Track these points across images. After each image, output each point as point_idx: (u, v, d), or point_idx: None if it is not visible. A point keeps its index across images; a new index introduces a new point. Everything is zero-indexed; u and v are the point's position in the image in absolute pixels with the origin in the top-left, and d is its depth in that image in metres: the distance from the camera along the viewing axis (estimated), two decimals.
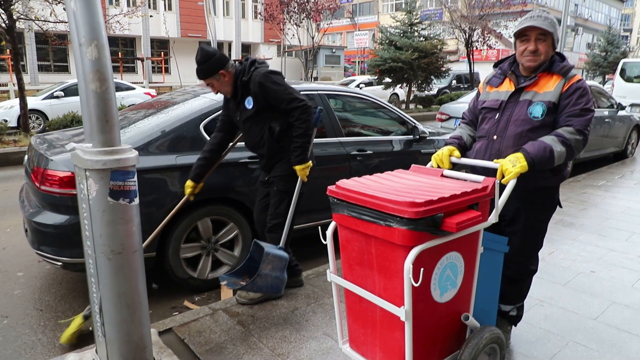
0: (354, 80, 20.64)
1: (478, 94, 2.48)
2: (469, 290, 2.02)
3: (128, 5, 24.53)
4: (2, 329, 2.88)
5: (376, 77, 16.43)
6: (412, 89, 16.79)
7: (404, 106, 17.19)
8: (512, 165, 2.01)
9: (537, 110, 2.15)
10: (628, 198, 5.65)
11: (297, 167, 2.87)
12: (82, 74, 1.86)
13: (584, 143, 2.11)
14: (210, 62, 2.78)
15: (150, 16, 21.84)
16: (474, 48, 18.76)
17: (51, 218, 2.93)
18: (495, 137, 2.27)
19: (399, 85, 16.27)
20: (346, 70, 31.41)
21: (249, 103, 2.88)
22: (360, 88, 19.44)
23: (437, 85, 18.62)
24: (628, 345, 2.54)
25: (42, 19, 9.06)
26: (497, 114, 2.28)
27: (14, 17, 8.55)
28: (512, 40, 2.28)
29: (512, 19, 18.96)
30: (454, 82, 21.68)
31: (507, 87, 2.30)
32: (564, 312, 2.89)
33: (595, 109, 7.44)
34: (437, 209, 1.69)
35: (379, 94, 18.42)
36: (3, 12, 8.37)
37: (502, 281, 2.45)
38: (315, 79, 24.74)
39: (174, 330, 2.65)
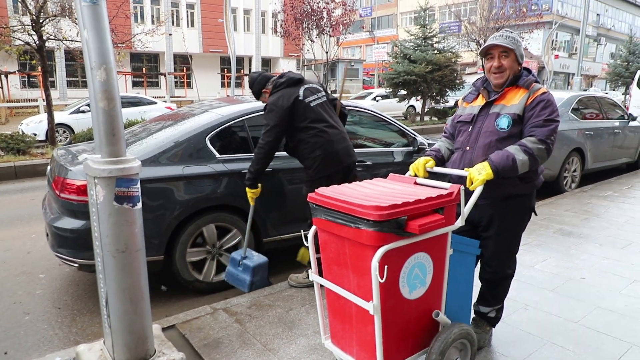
0: (371, 93, 20.86)
1: None
2: (439, 289, 2.19)
3: (152, 22, 25.46)
4: (24, 324, 3.16)
5: (391, 90, 16.61)
6: (428, 101, 16.91)
7: (418, 118, 17.29)
8: (479, 173, 2.19)
9: (504, 122, 2.33)
10: (632, 208, 5.67)
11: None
12: (93, 94, 2.12)
13: (548, 152, 2.26)
14: (254, 87, 3.48)
15: (170, 34, 22.68)
16: None
17: (69, 223, 3.22)
18: (467, 147, 2.45)
19: (414, 97, 16.40)
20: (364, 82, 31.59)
21: None
22: (377, 101, 19.65)
23: (453, 97, 18.70)
24: (604, 347, 2.64)
25: (70, 39, 9.59)
26: (470, 127, 2.47)
27: (44, 37, 9.08)
28: (482, 60, 2.47)
29: (528, 30, 18.96)
30: None
31: (480, 102, 2.49)
32: (547, 315, 3.01)
33: (605, 120, 7.57)
34: (401, 212, 1.88)
35: (395, 106, 18.59)
36: (34, 33, 8.91)
37: (481, 284, 2.62)
38: (334, 92, 25.04)
39: (177, 326, 2.88)
